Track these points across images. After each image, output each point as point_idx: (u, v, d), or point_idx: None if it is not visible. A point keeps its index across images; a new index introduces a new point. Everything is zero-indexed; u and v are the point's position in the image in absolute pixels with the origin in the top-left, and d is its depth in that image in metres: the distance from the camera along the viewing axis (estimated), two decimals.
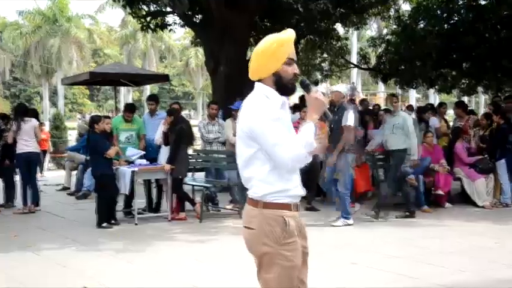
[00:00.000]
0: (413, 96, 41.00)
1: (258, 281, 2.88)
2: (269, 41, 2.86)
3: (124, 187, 8.56)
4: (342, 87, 8.59)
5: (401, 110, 11.19)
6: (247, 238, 2.90)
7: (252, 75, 2.91)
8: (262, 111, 2.77)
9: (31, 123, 9.86)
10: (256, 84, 2.91)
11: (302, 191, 2.92)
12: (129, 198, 9.21)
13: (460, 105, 12.08)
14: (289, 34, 2.88)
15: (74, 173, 12.60)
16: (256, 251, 2.87)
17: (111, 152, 8.41)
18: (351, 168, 8.43)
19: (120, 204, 9.20)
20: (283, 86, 2.85)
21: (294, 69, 2.86)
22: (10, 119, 10.48)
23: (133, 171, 8.49)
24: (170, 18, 14.21)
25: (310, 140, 2.75)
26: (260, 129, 2.75)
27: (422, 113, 11.82)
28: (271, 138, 2.73)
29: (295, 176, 2.89)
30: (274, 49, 2.83)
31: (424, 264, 6.09)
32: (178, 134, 8.63)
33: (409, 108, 12.83)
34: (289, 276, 2.83)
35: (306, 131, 2.78)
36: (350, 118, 8.07)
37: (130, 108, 9.87)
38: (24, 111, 10.23)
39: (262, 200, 2.81)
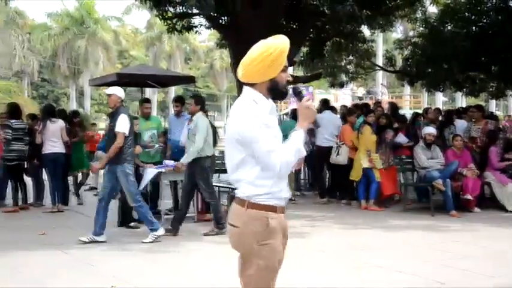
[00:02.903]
0: (440, 100, 40.61)
1: (239, 278, 2.93)
2: (268, 47, 2.85)
3: (142, 184, 8.55)
4: (119, 90, 7.54)
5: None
6: (231, 235, 2.97)
7: (244, 78, 2.92)
8: (253, 118, 2.81)
9: (58, 124, 9.98)
10: (245, 88, 2.94)
11: (287, 194, 2.96)
12: (155, 199, 9.29)
13: (478, 109, 11.65)
14: (286, 42, 2.88)
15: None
16: (239, 249, 2.94)
17: (135, 150, 8.43)
18: (131, 176, 7.52)
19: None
20: (278, 91, 2.92)
21: (287, 75, 2.95)
22: (39, 119, 10.61)
23: (159, 172, 8.55)
24: (196, 20, 14.27)
25: (300, 147, 2.81)
26: (251, 136, 2.80)
27: (461, 114, 11.69)
28: (264, 145, 2.78)
29: (283, 179, 2.92)
30: (275, 57, 2.84)
31: (451, 269, 6.04)
32: None
33: (437, 111, 12.65)
34: (265, 277, 2.89)
35: (296, 139, 2.83)
36: (123, 124, 7.39)
37: (146, 100, 10.13)
38: (52, 111, 10.34)
39: (249, 200, 2.87)
